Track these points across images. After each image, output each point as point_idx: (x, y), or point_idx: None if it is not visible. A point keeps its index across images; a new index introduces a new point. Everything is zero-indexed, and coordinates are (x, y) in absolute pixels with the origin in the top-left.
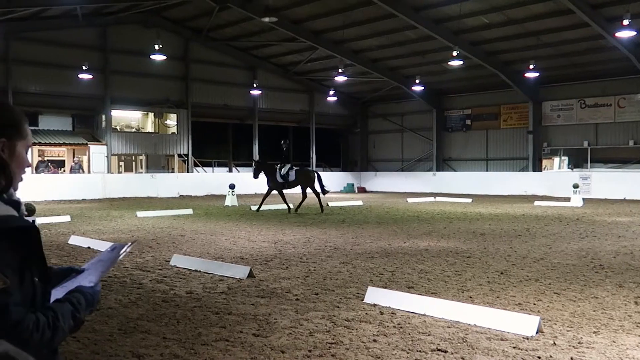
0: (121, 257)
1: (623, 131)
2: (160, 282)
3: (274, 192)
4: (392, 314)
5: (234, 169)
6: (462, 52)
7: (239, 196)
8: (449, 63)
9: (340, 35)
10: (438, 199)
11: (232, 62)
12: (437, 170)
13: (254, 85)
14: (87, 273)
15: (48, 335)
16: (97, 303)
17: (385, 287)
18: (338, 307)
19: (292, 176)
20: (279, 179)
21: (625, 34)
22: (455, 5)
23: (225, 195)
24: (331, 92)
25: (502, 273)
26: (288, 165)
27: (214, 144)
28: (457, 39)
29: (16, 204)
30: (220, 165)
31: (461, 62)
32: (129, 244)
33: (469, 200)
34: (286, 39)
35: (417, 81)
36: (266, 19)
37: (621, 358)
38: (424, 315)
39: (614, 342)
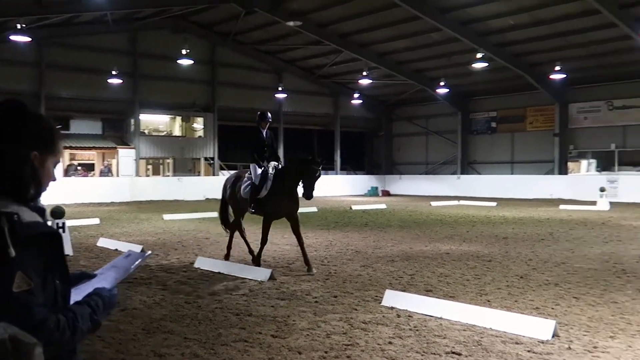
0: (134, 270)
1: None
2: (184, 283)
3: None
4: (409, 316)
5: None
6: (487, 53)
7: None
8: (474, 65)
9: (366, 38)
10: (462, 202)
11: (258, 66)
12: (461, 174)
13: (279, 88)
14: (100, 278)
15: (68, 335)
16: (115, 307)
17: (404, 291)
18: (356, 309)
19: None
20: None
21: None
22: (481, 6)
23: None
24: (356, 95)
25: (521, 277)
26: None
27: (240, 148)
28: (482, 41)
29: (41, 211)
30: (245, 168)
31: (486, 64)
32: (144, 255)
33: (494, 203)
34: (312, 42)
35: (442, 84)
36: (291, 23)
37: None
38: (441, 318)
39: (630, 346)
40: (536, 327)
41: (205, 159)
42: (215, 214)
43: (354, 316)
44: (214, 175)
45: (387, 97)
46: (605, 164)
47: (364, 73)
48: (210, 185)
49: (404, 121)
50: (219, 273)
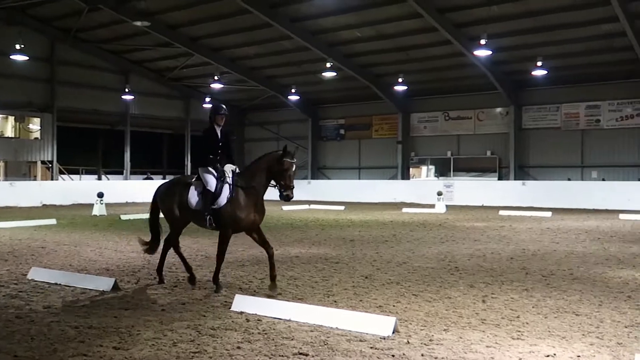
0: None
1: (482, 142)
2: (14, 297)
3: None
4: (258, 320)
5: (103, 176)
6: (336, 63)
7: (108, 205)
8: (323, 74)
9: (217, 43)
10: (312, 206)
11: (103, 66)
12: (312, 179)
13: (126, 90)
14: None
15: None
16: None
17: (254, 295)
18: (204, 316)
19: None
20: None
21: (482, 53)
22: (330, 17)
23: (93, 204)
24: (207, 99)
25: (366, 277)
26: None
27: (82, 150)
28: (331, 51)
29: None
30: (88, 172)
31: (334, 74)
32: None
33: (342, 207)
34: (161, 44)
35: (293, 91)
36: (139, 23)
37: (466, 352)
38: (289, 320)
39: (461, 337)
40: (378, 324)
41: (43, 162)
42: (52, 221)
43: (202, 323)
44: (52, 179)
45: (239, 102)
46: (442, 170)
47: (216, 77)
48: (48, 190)
49: (256, 126)
50: (56, 284)
